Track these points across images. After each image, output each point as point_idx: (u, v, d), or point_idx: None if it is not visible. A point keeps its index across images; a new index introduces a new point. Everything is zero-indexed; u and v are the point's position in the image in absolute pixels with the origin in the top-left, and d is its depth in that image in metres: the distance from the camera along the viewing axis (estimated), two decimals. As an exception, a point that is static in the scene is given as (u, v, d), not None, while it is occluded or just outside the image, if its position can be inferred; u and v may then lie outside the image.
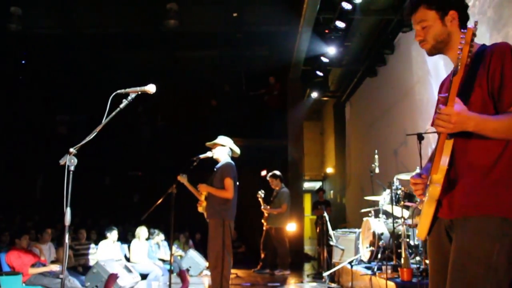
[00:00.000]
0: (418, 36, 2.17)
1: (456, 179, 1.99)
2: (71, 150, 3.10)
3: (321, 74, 10.92)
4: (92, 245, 8.38)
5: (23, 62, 12.68)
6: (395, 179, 6.03)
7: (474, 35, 1.73)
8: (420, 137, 5.85)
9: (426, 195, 2.09)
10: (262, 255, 9.24)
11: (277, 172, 9.28)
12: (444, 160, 1.94)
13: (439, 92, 2.31)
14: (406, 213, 6.05)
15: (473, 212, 1.91)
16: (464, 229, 1.93)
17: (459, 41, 1.85)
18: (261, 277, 8.66)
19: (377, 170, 7.14)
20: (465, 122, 1.79)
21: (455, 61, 2.06)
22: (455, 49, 2.02)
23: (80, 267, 7.79)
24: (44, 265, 6.78)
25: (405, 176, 6.05)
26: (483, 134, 1.86)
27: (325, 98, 14.38)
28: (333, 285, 7.05)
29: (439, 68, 6.55)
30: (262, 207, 8.92)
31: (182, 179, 5.93)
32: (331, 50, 9.50)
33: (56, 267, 6.72)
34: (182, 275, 6.14)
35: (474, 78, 1.97)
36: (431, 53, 2.20)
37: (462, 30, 1.76)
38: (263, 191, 8.94)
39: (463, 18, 2.12)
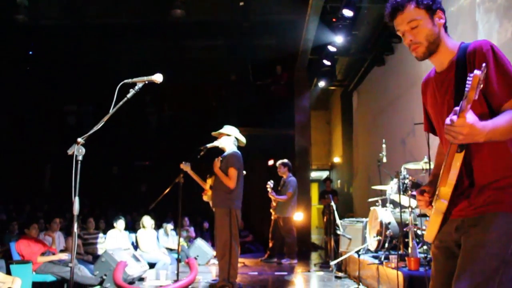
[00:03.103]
0: (407, 39, 2.05)
1: (469, 180, 1.98)
2: (79, 140, 3.11)
3: (328, 63, 10.87)
4: (101, 234, 8.44)
5: (30, 53, 12.71)
6: (402, 169, 6.01)
7: (480, 80, 1.67)
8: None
9: (433, 206, 2.08)
10: (270, 244, 9.26)
11: (286, 161, 9.29)
12: (453, 175, 1.91)
13: (423, 92, 2.27)
14: (414, 203, 6.05)
15: (489, 210, 1.91)
16: (479, 226, 1.92)
17: (446, 45, 1.90)
18: (268, 266, 8.70)
19: (384, 160, 7.12)
20: (477, 134, 1.75)
21: (440, 66, 2.08)
22: (442, 52, 2.02)
23: (89, 256, 7.86)
24: (53, 254, 6.85)
25: (412, 166, 6.03)
26: (493, 141, 1.84)
27: (332, 87, 14.34)
28: (340, 274, 7.07)
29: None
30: (269, 192, 8.94)
31: (185, 167, 5.96)
32: (339, 39, 9.44)
33: (65, 256, 6.78)
34: (191, 263, 6.17)
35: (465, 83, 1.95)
36: (424, 56, 2.07)
37: (469, 75, 1.70)
38: (272, 182, 8.96)
39: (445, 21, 2.07)
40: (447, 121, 1.75)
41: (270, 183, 8.94)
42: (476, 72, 1.66)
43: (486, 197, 1.92)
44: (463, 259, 1.93)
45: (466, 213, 1.97)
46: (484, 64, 1.69)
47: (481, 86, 1.67)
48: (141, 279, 6.76)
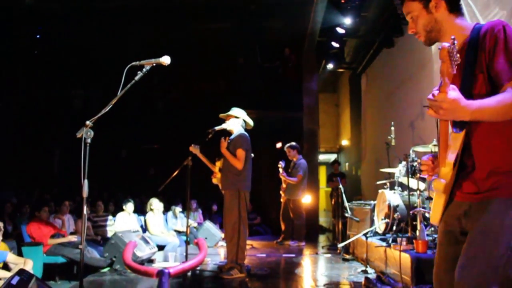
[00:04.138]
0: (410, 29, 2.16)
1: (472, 162, 1.95)
2: (88, 122, 3.12)
3: (336, 45, 10.78)
4: (110, 217, 8.51)
5: (38, 36, 12.69)
6: (411, 151, 5.99)
7: (450, 52, 1.67)
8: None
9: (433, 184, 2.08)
10: (283, 227, 9.29)
11: (294, 143, 9.28)
12: (452, 156, 1.90)
13: None
14: (422, 185, 6.03)
15: (495, 195, 1.87)
16: (486, 211, 1.88)
17: (452, 27, 1.88)
18: (276, 248, 8.75)
19: (393, 142, 7.10)
20: (458, 111, 1.72)
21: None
22: (449, 34, 1.97)
23: (98, 236, 7.94)
24: (63, 236, 6.93)
25: (421, 149, 6.01)
26: (482, 120, 1.82)
27: (340, 70, 14.24)
28: (347, 256, 7.09)
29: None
30: (280, 172, 8.95)
31: (195, 150, 5.96)
32: (347, 21, 9.35)
33: (74, 238, 6.85)
34: (200, 243, 6.22)
35: (474, 64, 1.91)
36: (428, 43, 2.16)
37: (438, 47, 1.71)
38: (283, 161, 8.99)
39: (451, 1, 2.06)
40: (429, 95, 1.75)
41: (282, 163, 8.96)
42: (444, 44, 1.67)
43: (494, 181, 1.89)
44: (469, 245, 1.90)
45: (474, 197, 1.95)
46: (453, 36, 1.68)
47: (458, 60, 1.68)
48: (150, 261, 6.82)
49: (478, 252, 1.85)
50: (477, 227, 1.89)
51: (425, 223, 5.50)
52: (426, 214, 5.56)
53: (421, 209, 5.46)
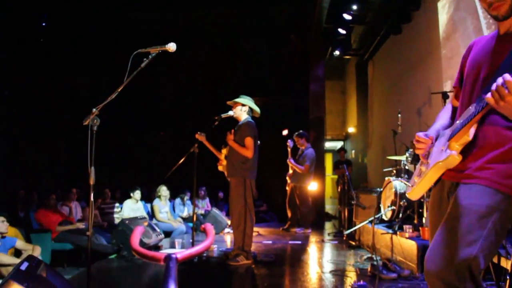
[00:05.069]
0: None
1: (474, 147, 1.91)
2: (94, 110, 3.13)
3: (343, 32, 10.70)
4: (117, 204, 8.57)
5: (43, 24, 12.67)
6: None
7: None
8: (445, 96, 5.76)
9: (430, 158, 2.05)
10: (289, 214, 9.31)
11: (303, 131, 9.26)
12: (471, 132, 1.88)
13: (469, 49, 2.18)
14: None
15: (483, 183, 1.84)
16: (469, 191, 1.85)
17: None
18: (283, 234, 8.78)
19: (399, 130, 7.08)
20: None
21: (505, 29, 1.95)
22: None
23: (104, 222, 7.99)
24: (71, 223, 6.99)
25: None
26: None
27: (347, 57, 14.14)
28: (353, 243, 7.11)
29: (466, 25, 6.35)
30: (288, 158, 8.96)
31: (201, 137, 5.96)
32: (354, 7, 9.26)
33: (82, 225, 6.91)
34: (207, 229, 6.26)
35: None
36: (506, 15, 1.90)
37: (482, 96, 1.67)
38: (292, 141, 8.98)
39: None
40: (499, 80, 1.62)
41: (290, 142, 8.95)
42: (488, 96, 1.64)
43: (483, 167, 1.86)
44: (447, 220, 1.87)
45: (460, 177, 1.93)
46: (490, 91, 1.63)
47: None
48: (156, 247, 6.87)
49: (455, 222, 1.82)
50: (457, 201, 1.86)
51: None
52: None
53: (426, 196, 5.45)
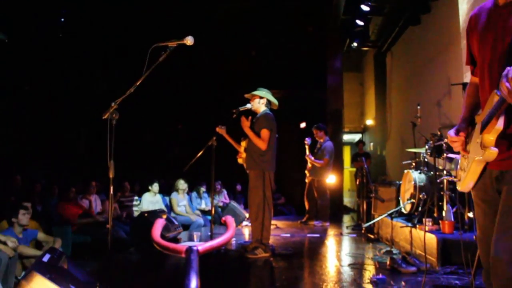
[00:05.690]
0: None
1: (506, 129, 1.89)
2: (113, 104, 3.14)
3: (361, 23, 10.61)
4: (136, 197, 8.63)
5: (62, 20, 12.77)
6: (438, 131, 5.89)
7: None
8: (466, 87, 5.66)
9: (468, 151, 2.03)
10: (307, 207, 9.30)
11: (321, 124, 9.22)
12: (501, 121, 1.86)
13: (473, 27, 2.15)
14: (448, 165, 5.94)
15: None
16: None
17: None
18: (301, 227, 8.77)
19: (419, 122, 7.00)
20: None
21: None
22: None
23: (123, 213, 8.06)
24: (91, 216, 7.07)
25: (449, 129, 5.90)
26: None
27: (365, 48, 14.01)
28: (372, 237, 7.07)
29: (487, 14, 6.22)
30: (306, 154, 8.95)
31: (221, 130, 5.97)
32: (372, -2, 9.16)
33: (101, 218, 6.98)
34: (228, 221, 6.28)
35: None
36: None
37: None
38: (310, 138, 8.96)
39: None
40: (505, 71, 1.63)
41: (308, 140, 8.93)
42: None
43: None
44: (501, 216, 1.86)
45: (505, 165, 1.92)
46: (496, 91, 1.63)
47: None
48: (175, 240, 6.91)
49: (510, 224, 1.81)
50: (507, 197, 1.86)
51: (452, 204, 5.43)
52: (453, 195, 5.47)
53: (446, 189, 5.39)
